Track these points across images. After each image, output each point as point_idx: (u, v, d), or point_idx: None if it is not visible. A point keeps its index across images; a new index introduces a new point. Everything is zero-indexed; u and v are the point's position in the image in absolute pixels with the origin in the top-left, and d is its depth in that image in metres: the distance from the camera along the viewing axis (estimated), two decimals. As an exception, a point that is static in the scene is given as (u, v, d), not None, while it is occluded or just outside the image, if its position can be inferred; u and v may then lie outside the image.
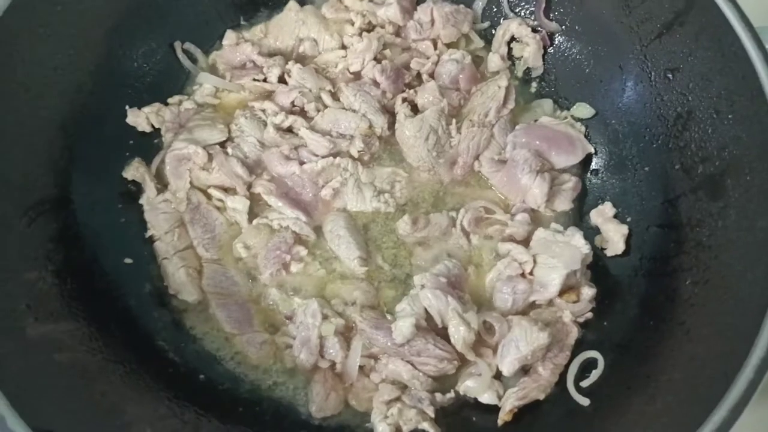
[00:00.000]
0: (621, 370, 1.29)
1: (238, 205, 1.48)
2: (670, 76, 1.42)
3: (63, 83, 1.43)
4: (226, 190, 1.51)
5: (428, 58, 1.66)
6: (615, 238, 1.45)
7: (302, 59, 1.66)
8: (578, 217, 1.57)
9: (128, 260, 1.44)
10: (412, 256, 1.50)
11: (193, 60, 1.67)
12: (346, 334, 1.38)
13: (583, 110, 1.62)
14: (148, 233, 1.47)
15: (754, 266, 1.13)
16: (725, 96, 1.28)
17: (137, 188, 1.52)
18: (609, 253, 1.46)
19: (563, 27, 1.64)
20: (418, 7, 1.69)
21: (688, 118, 1.37)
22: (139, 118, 1.54)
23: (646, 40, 1.46)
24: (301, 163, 1.52)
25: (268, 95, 1.61)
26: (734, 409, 0.98)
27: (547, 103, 1.67)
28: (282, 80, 1.61)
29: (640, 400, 1.18)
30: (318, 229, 1.50)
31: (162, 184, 1.52)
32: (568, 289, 1.40)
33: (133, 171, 1.50)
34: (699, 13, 1.33)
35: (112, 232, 1.45)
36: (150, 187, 1.49)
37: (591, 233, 1.51)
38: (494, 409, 1.31)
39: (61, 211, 1.37)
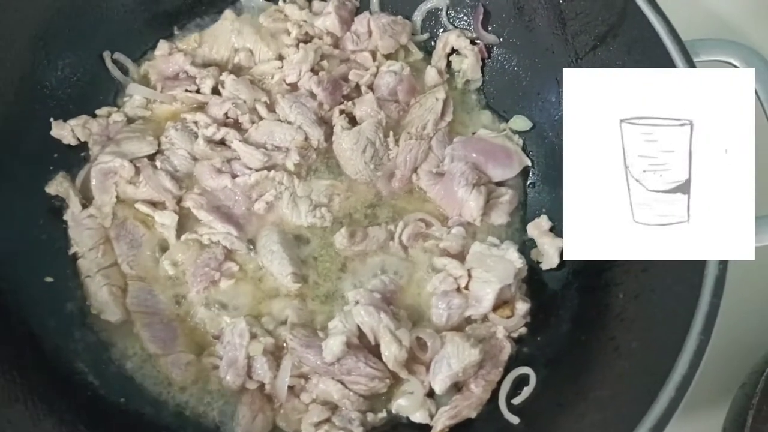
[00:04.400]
0: (553, 387, 1.27)
1: (166, 220, 1.42)
2: (604, 89, 1.41)
3: (-18, 95, 1.37)
4: (154, 204, 1.45)
5: (367, 69, 1.63)
6: (550, 251, 1.43)
7: (238, 70, 1.62)
8: (521, 231, 1.54)
9: (49, 279, 1.38)
10: (348, 271, 1.46)
11: (124, 70, 1.61)
12: (276, 354, 1.33)
13: (521, 123, 1.60)
14: (72, 250, 1.41)
15: (682, 280, 1.12)
16: (656, 109, 1.27)
17: (61, 204, 1.45)
18: (544, 266, 1.44)
19: (501, 39, 1.63)
20: (355, 18, 1.66)
21: (622, 132, 1.37)
22: (64, 131, 1.48)
23: (581, 52, 1.45)
24: (234, 176, 1.48)
25: (201, 107, 1.56)
26: (654, 428, 0.96)
27: (486, 116, 1.65)
28: (216, 91, 1.57)
29: (569, 419, 1.16)
30: (251, 244, 1.45)
31: (87, 199, 1.46)
32: (502, 303, 1.38)
33: (57, 186, 1.44)
34: (630, 25, 1.32)
35: (32, 250, 1.38)
36: (74, 203, 1.43)
37: (531, 246, 1.49)
38: (427, 429, 1.28)
39: (-25, 228, 1.31)
